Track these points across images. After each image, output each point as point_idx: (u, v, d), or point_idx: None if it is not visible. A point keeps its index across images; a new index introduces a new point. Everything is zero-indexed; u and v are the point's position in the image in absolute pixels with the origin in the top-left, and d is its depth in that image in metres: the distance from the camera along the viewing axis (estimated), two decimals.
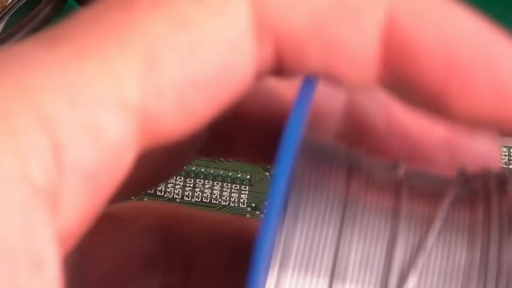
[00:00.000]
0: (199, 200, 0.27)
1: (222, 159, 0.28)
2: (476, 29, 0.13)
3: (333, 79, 0.13)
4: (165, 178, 0.17)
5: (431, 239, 0.12)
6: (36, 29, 0.33)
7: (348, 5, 0.13)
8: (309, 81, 0.13)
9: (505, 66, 0.13)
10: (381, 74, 0.13)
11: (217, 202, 0.27)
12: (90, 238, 0.13)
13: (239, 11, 0.13)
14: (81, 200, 0.12)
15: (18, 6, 0.34)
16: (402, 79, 0.13)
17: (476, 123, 0.13)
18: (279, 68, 0.13)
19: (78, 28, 0.12)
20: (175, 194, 0.27)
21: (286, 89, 0.16)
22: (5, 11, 0.33)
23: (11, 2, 0.34)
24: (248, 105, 0.16)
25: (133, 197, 0.27)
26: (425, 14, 0.13)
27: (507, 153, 0.29)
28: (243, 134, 0.17)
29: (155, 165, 0.15)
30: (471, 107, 0.13)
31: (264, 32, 0.13)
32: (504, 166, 0.29)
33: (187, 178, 0.28)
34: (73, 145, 0.12)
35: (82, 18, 0.13)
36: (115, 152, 0.12)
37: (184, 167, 0.28)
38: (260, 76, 0.13)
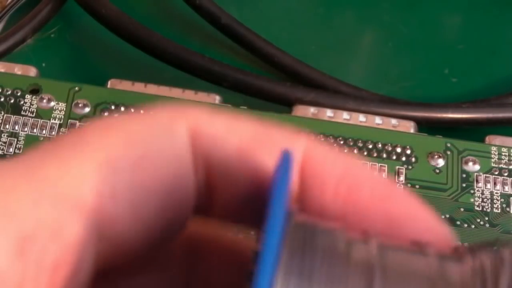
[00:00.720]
0: None
1: None
2: (377, 179, 0.16)
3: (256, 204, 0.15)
4: None
5: None
6: (35, 29, 0.33)
7: (273, 137, 0.15)
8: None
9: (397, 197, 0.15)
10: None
11: None
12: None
13: (181, 132, 0.15)
14: None
15: (18, 6, 0.34)
16: (307, 204, 0.15)
17: None
18: (209, 198, 0.15)
19: (40, 146, 0.14)
20: None
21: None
22: (4, 10, 0.33)
23: (10, 2, 0.34)
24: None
25: None
26: (337, 156, 0.16)
27: (507, 153, 0.29)
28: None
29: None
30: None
31: (198, 153, 0.15)
32: (504, 166, 0.29)
33: None
34: (36, 239, 0.13)
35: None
36: (74, 248, 0.13)
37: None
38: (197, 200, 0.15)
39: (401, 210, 0.15)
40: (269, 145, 0.15)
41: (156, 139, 0.15)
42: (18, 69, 0.30)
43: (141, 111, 0.15)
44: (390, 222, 0.15)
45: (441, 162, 0.29)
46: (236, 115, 0.15)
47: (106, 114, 0.28)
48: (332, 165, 0.15)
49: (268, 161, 0.15)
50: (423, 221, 0.15)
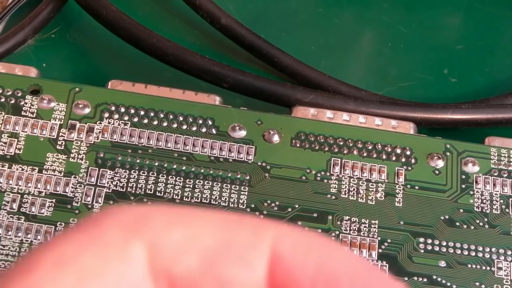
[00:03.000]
0: (199, 200, 0.27)
1: (221, 160, 0.28)
2: (354, 265, 0.15)
3: None
4: None
5: None
6: (36, 30, 0.33)
7: (235, 243, 0.14)
8: None
9: None
10: None
11: (217, 203, 0.27)
12: None
13: (137, 256, 0.14)
14: None
15: (19, 6, 0.34)
16: None
17: None
18: None
19: None
20: (174, 195, 0.27)
21: None
22: (5, 11, 0.33)
23: (11, 2, 0.34)
24: None
25: (132, 198, 0.27)
26: (307, 248, 0.15)
27: (506, 154, 0.29)
28: None
29: None
30: None
31: (158, 274, 0.14)
32: (504, 167, 0.29)
33: (187, 179, 0.28)
34: None
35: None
36: None
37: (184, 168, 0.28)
38: None
39: None
40: (232, 255, 0.14)
41: (112, 272, 0.14)
42: (18, 70, 0.30)
43: (90, 224, 0.14)
44: None
45: (440, 163, 0.29)
46: (195, 220, 0.15)
47: (106, 115, 0.29)
48: (304, 264, 0.14)
49: (234, 273, 0.14)
50: None
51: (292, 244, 0.15)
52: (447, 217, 0.28)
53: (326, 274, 0.14)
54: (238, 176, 0.28)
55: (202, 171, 0.28)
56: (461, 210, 0.28)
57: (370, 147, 0.29)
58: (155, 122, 0.29)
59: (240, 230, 0.15)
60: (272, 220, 0.15)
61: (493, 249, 0.28)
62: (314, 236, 0.15)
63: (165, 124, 0.29)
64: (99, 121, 0.29)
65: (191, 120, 0.29)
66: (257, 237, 0.15)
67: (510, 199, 0.28)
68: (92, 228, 0.14)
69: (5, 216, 0.26)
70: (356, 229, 0.27)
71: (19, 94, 0.29)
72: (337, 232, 0.27)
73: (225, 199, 0.28)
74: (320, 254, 0.15)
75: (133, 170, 0.28)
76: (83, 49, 0.35)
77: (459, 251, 0.27)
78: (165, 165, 0.28)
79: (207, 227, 0.15)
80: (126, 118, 0.29)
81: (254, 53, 0.34)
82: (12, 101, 0.29)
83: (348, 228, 0.27)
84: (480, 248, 0.28)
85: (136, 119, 0.29)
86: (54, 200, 0.27)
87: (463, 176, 0.29)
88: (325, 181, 0.28)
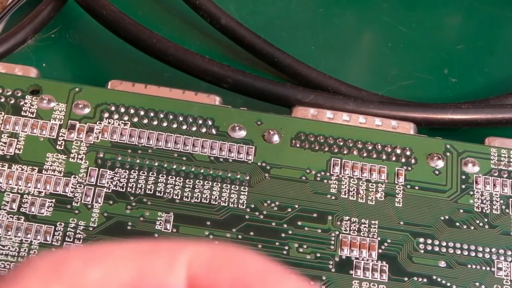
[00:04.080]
0: (199, 201, 0.27)
1: (221, 160, 0.28)
2: (264, 271, 0.15)
3: None
4: None
5: None
6: (36, 30, 0.33)
7: (152, 271, 0.15)
8: None
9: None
10: None
11: (217, 203, 0.27)
12: None
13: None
14: None
15: (18, 6, 0.34)
16: None
17: None
18: None
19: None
20: (174, 195, 0.27)
21: None
22: (5, 11, 0.33)
23: (11, 2, 0.34)
24: None
25: (132, 198, 0.27)
26: (220, 264, 0.15)
27: (506, 155, 0.29)
28: None
29: None
30: None
31: None
32: (504, 168, 0.29)
33: (186, 179, 0.28)
34: None
35: None
36: None
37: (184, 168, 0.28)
38: None
39: None
40: (150, 284, 0.15)
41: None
42: (18, 70, 0.30)
43: (9, 279, 0.15)
44: None
45: (440, 164, 0.29)
46: (112, 256, 0.15)
47: (106, 115, 0.29)
48: (218, 280, 0.15)
49: None
50: None
51: (207, 262, 0.15)
52: (447, 217, 0.28)
53: (239, 285, 0.15)
54: (238, 176, 0.28)
55: (202, 171, 0.28)
56: (461, 211, 0.28)
57: (370, 147, 0.29)
58: (155, 122, 0.29)
59: (156, 257, 0.15)
60: (188, 240, 0.16)
61: (493, 250, 0.28)
62: (228, 251, 0.16)
63: (165, 124, 0.29)
64: (99, 121, 0.29)
65: (191, 120, 0.29)
66: (173, 261, 0.15)
67: (510, 199, 0.28)
68: (12, 282, 0.14)
69: (5, 216, 0.26)
70: (356, 229, 0.27)
71: (19, 94, 0.29)
72: (337, 232, 0.27)
73: (225, 199, 0.28)
74: (233, 267, 0.15)
75: (133, 170, 0.28)
76: (83, 49, 0.35)
77: (459, 252, 0.27)
78: (165, 165, 0.28)
79: (124, 260, 0.15)
80: (126, 118, 0.29)
81: (254, 53, 0.34)
82: (12, 101, 0.29)
83: (348, 228, 0.27)
84: (480, 249, 0.28)
85: (136, 119, 0.29)
86: (54, 200, 0.27)
87: (463, 177, 0.29)
88: (325, 181, 0.28)
